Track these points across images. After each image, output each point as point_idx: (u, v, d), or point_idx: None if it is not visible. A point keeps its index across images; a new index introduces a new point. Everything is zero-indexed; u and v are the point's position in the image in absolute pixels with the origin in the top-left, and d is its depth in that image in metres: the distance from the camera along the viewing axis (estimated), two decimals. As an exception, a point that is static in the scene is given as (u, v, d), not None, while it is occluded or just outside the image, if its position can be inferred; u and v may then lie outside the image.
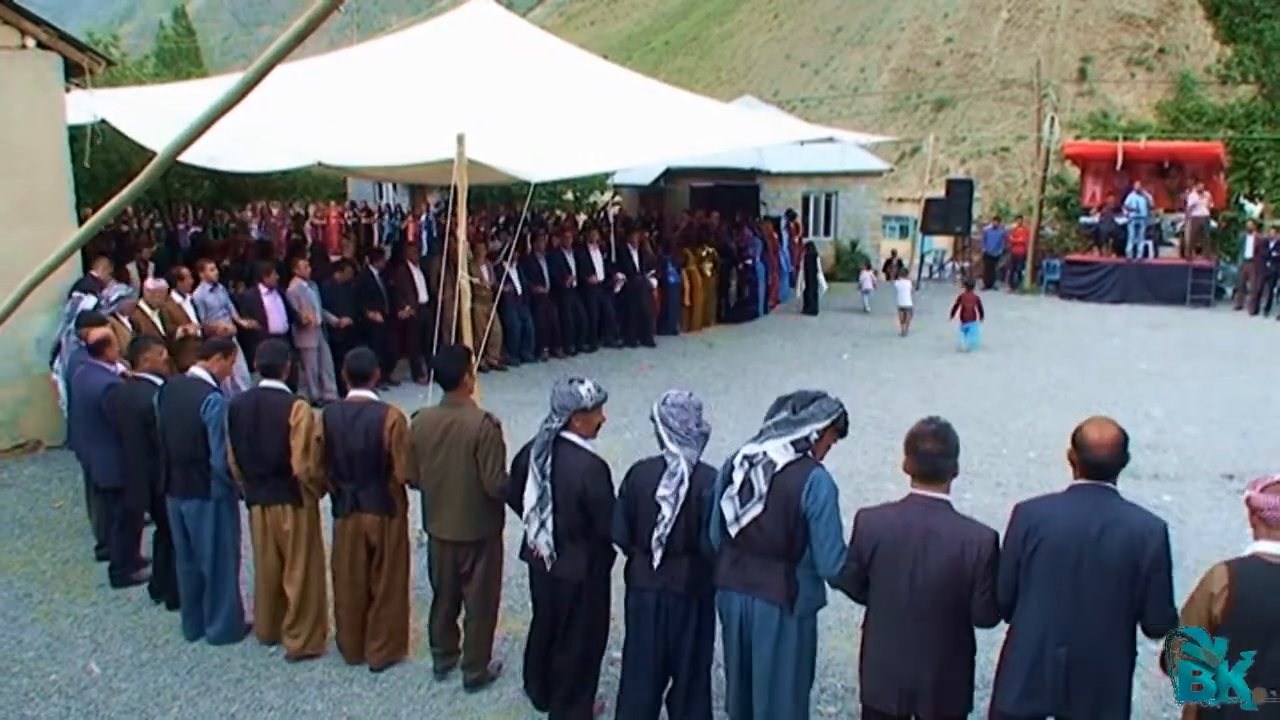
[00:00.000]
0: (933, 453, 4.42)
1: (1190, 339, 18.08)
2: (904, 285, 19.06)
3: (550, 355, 16.34)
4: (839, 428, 4.86)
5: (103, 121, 12.59)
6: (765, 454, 4.70)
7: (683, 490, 4.98)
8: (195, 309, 11.63)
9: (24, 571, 8.06)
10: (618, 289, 17.10)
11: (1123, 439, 4.27)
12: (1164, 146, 24.31)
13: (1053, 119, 26.27)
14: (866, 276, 22.22)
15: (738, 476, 4.74)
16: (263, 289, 12.69)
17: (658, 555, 5.03)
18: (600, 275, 16.88)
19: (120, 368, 7.77)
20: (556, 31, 19.49)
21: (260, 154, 12.76)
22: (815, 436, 4.75)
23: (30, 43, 11.03)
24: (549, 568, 5.41)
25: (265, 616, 6.72)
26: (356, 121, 13.56)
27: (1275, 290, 20.89)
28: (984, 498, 9.34)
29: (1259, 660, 3.83)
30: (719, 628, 5.16)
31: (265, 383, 6.46)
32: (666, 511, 4.97)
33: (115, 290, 10.51)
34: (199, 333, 11.17)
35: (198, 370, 6.78)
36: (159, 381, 7.07)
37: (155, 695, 6.16)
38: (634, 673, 5.34)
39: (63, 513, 9.38)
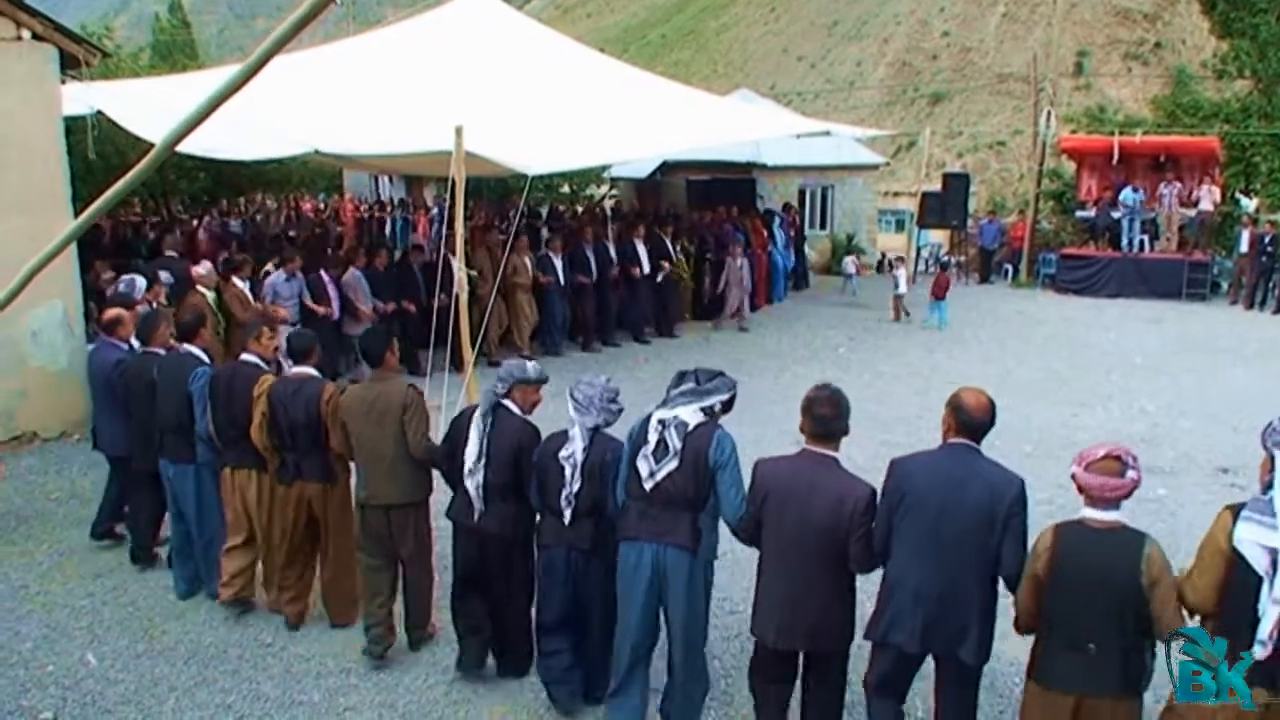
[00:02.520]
0: (826, 415, 4.91)
1: (1185, 333, 18.12)
2: (900, 274, 19.33)
3: (582, 348, 16.66)
4: (729, 405, 5.42)
5: (99, 113, 12.58)
6: (677, 417, 5.19)
7: (579, 451, 5.46)
8: (264, 294, 12.50)
9: (20, 563, 8.07)
10: (660, 278, 17.44)
11: (992, 406, 4.74)
12: (1160, 141, 24.32)
13: (1049, 113, 26.27)
14: (849, 262, 23.49)
15: (652, 437, 5.19)
16: (325, 278, 13.35)
17: (568, 514, 5.49)
18: (646, 267, 17.14)
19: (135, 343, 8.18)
20: (553, 24, 19.51)
21: (257, 143, 12.81)
22: (718, 407, 5.31)
23: (25, 34, 11.01)
24: (476, 519, 5.80)
25: (225, 574, 7.05)
26: (354, 112, 13.58)
27: (1270, 285, 20.93)
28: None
29: (1072, 608, 4.24)
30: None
31: (244, 356, 6.96)
32: (569, 471, 5.46)
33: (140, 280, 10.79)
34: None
35: (190, 348, 7.31)
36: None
37: (152, 686, 6.18)
38: (551, 629, 5.71)
39: (59, 504, 9.39)
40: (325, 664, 6.43)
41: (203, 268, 12.04)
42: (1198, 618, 4.21)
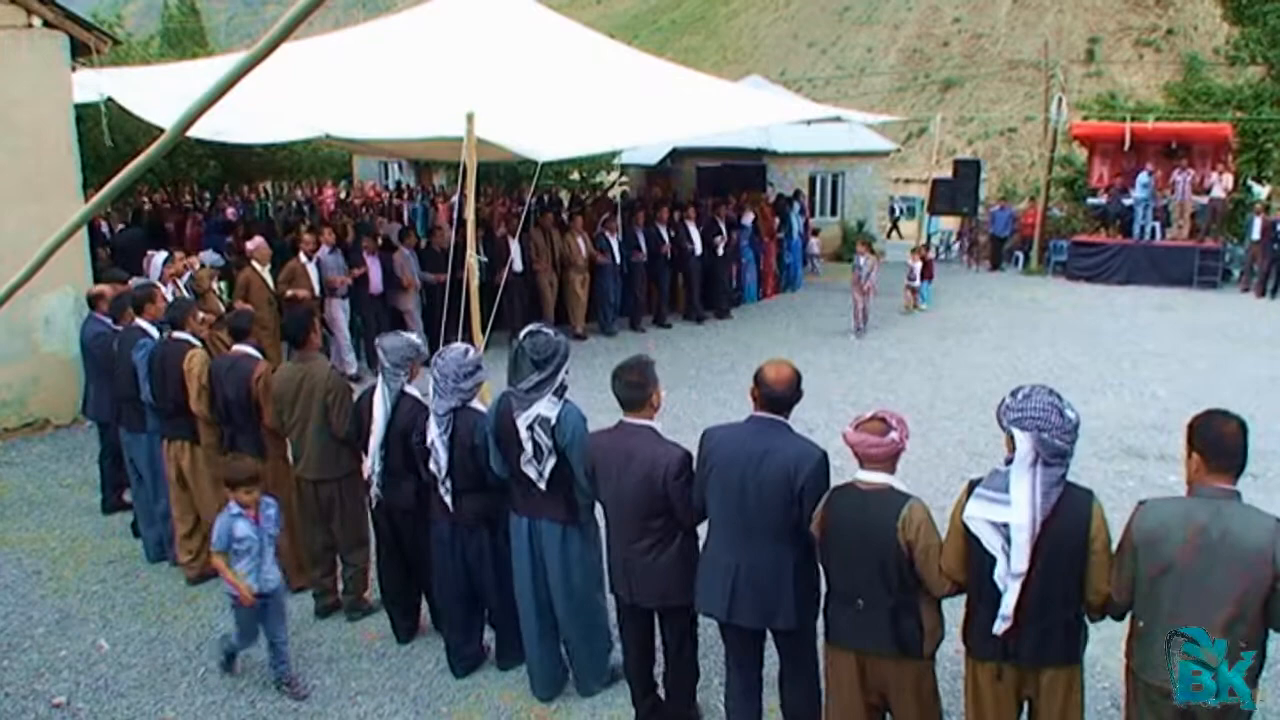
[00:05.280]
0: (631, 383, 5.09)
1: (1197, 321, 18.04)
2: (916, 265, 19.28)
3: (635, 327, 17.13)
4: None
5: (109, 100, 12.60)
6: (538, 415, 5.26)
7: (440, 442, 5.57)
8: (317, 267, 13.19)
9: (33, 549, 8.11)
10: (721, 251, 17.86)
11: (796, 378, 4.80)
12: (1172, 128, 24.20)
13: (1060, 99, 26.14)
14: (814, 243, 24.10)
15: (528, 446, 5.28)
16: (364, 253, 14.09)
17: (446, 494, 5.67)
18: (698, 248, 17.52)
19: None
20: (562, 10, 19.39)
21: (268, 127, 12.86)
22: (567, 374, 5.39)
23: (36, 22, 11.02)
24: (379, 496, 6.12)
25: (180, 542, 7.49)
26: (365, 97, 13.59)
27: (1282, 272, 20.80)
28: (989, 478, 9.33)
29: (841, 565, 4.44)
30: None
31: (175, 334, 7.35)
32: (435, 457, 5.60)
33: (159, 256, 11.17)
34: (315, 292, 12.87)
35: (140, 322, 7.80)
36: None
37: (164, 671, 6.22)
38: (443, 596, 6.04)
39: (71, 491, 9.43)
40: (337, 649, 6.46)
41: (252, 243, 12.60)
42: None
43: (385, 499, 6.12)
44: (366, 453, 6.16)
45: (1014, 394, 4.17)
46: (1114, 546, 4.10)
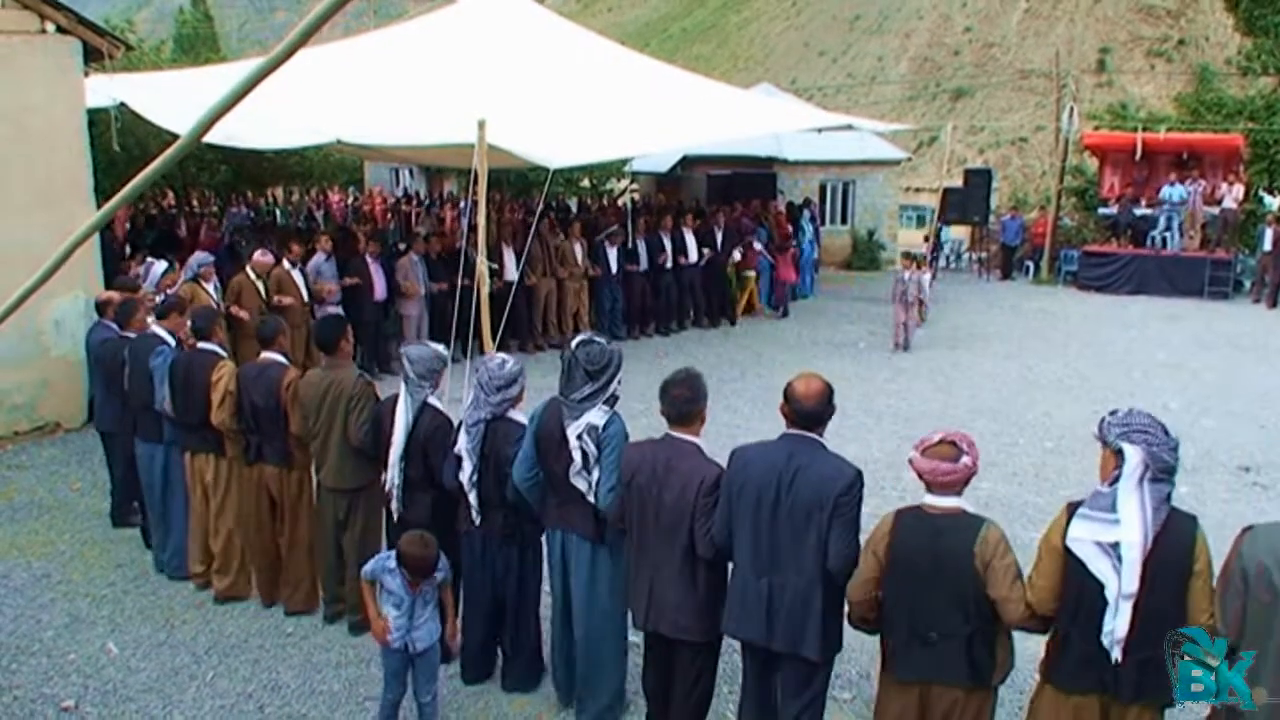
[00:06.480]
0: (681, 398, 4.90)
1: (1208, 331, 17.99)
2: (924, 277, 19.15)
3: (641, 334, 17.20)
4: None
5: (121, 105, 12.64)
6: (589, 424, 5.15)
7: (468, 447, 5.58)
8: (307, 276, 13.05)
9: (43, 552, 8.12)
10: (704, 264, 17.81)
11: (827, 392, 4.61)
12: (1183, 138, 24.15)
13: (1071, 109, 26.08)
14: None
15: (577, 456, 5.15)
16: (368, 258, 14.06)
17: (473, 506, 5.65)
18: (694, 256, 17.59)
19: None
20: (574, 18, 19.48)
21: (279, 132, 12.89)
22: (619, 384, 5.28)
23: (50, 27, 11.07)
24: (397, 510, 6.10)
25: (196, 554, 7.38)
26: (376, 103, 13.64)
27: (1293, 284, 20.73)
28: (1000, 488, 9.32)
29: (912, 596, 4.21)
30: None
31: (200, 345, 7.19)
32: (468, 467, 5.59)
33: (159, 265, 11.31)
34: (305, 299, 12.77)
35: (156, 329, 7.78)
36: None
37: (173, 675, 6.22)
38: (471, 609, 5.96)
39: (81, 495, 9.43)
40: (345, 654, 6.45)
41: (259, 252, 12.67)
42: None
43: (403, 513, 6.06)
44: (386, 465, 6.10)
45: (1113, 412, 4.04)
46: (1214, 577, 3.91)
